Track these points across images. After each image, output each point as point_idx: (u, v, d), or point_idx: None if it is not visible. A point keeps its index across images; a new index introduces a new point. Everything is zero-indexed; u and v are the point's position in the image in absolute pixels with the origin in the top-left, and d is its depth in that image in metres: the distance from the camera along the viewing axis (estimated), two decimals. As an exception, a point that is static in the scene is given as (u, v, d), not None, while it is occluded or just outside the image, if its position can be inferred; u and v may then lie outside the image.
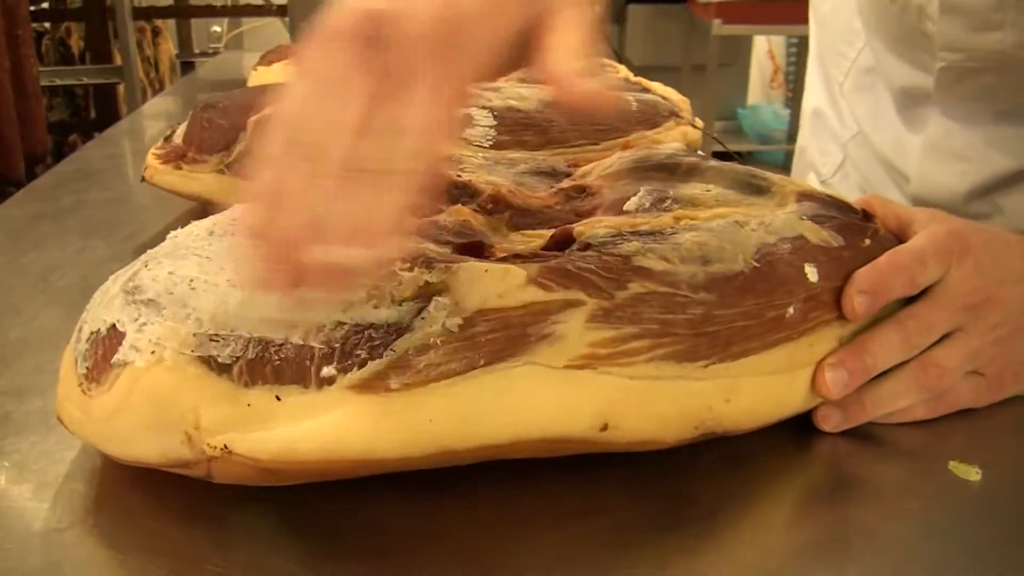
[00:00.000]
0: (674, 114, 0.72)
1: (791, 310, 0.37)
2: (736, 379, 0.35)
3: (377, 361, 0.31)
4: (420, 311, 0.32)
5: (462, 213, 0.41)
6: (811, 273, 0.38)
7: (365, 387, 0.31)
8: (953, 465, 0.38)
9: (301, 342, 0.31)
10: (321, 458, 0.30)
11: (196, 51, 1.62)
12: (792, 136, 2.83)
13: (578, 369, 0.32)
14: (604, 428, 0.33)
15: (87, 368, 0.34)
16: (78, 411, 0.34)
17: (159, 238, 0.66)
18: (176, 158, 0.63)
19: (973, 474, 0.37)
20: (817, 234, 0.40)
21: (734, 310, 0.35)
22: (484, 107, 0.63)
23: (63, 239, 0.65)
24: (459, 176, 0.44)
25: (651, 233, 0.37)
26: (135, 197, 0.75)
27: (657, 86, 0.78)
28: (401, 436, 0.31)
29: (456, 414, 0.31)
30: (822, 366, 0.38)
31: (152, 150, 0.65)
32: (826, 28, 0.87)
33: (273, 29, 2.13)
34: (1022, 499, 0.37)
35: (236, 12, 1.59)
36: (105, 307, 0.34)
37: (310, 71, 0.29)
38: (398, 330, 0.32)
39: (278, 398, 0.31)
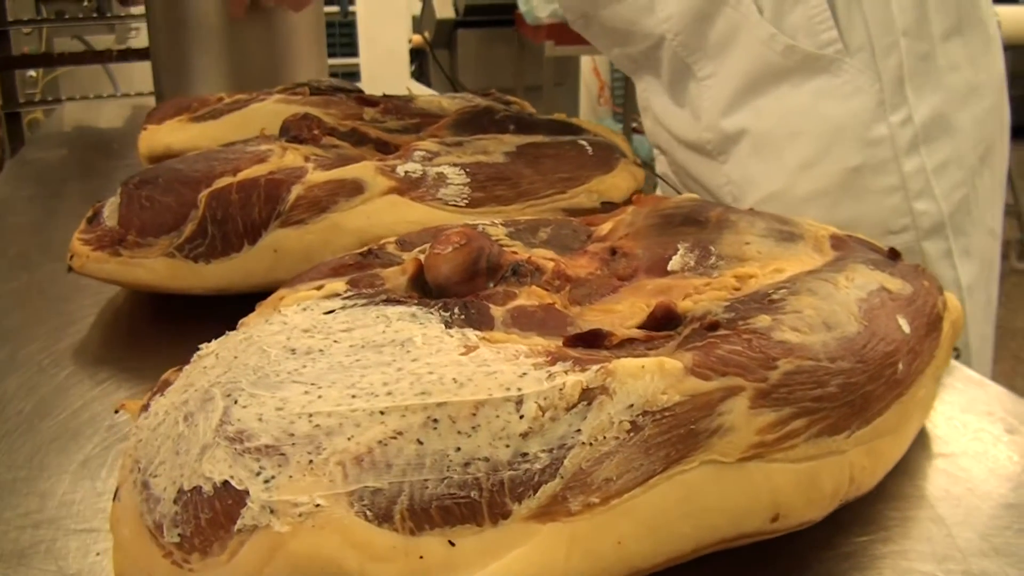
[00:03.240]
0: (623, 154, 0.71)
1: (900, 365, 0.36)
2: (868, 444, 0.35)
3: (552, 482, 0.28)
4: (583, 420, 0.29)
5: (539, 295, 0.38)
6: (904, 325, 0.38)
7: (545, 514, 0.28)
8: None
9: (464, 474, 0.28)
10: (514, 605, 0.27)
11: (21, 100, 1.46)
12: (626, 150, 2.93)
13: (749, 460, 0.30)
14: (775, 519, 0.31)
15: (181, 536, 0.28)
16: (170, 587, 0.28)
17: (96, 336, 0.59)
18: (112, 243, 0.56)
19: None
20: (892, 283, 0.40)
21: (864, 375, 0.34)
22: (455, 164, 0.60)
23: (-23, 346, 0.55)
24: (515, 253, 0.41)
25: (759, 302, 0.36)
26: (40, 286, 0.65)
27: (592, 124, 0.77)
28: (592, 564, 0.28)
29: (644, 530, 0.28)
30: None
31: (77, 235, 0.57)
32: None
33: (91, 71, 1.97)
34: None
35: (76, 61, 1.44)
36: (198, 459, 0.29)
37: None
38: (564, 445, 0.28)
39: (452, 543, 0.27)
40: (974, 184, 0.76)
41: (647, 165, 0.79)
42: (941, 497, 0.40)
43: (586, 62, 3.05)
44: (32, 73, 1.79)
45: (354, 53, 2.74)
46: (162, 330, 0.58)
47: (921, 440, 0.43)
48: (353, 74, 2.70)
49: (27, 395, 0.49)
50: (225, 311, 0.42)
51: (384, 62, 2.62)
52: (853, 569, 0.35)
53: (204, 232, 0.55)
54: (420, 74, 2.84)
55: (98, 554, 0.37)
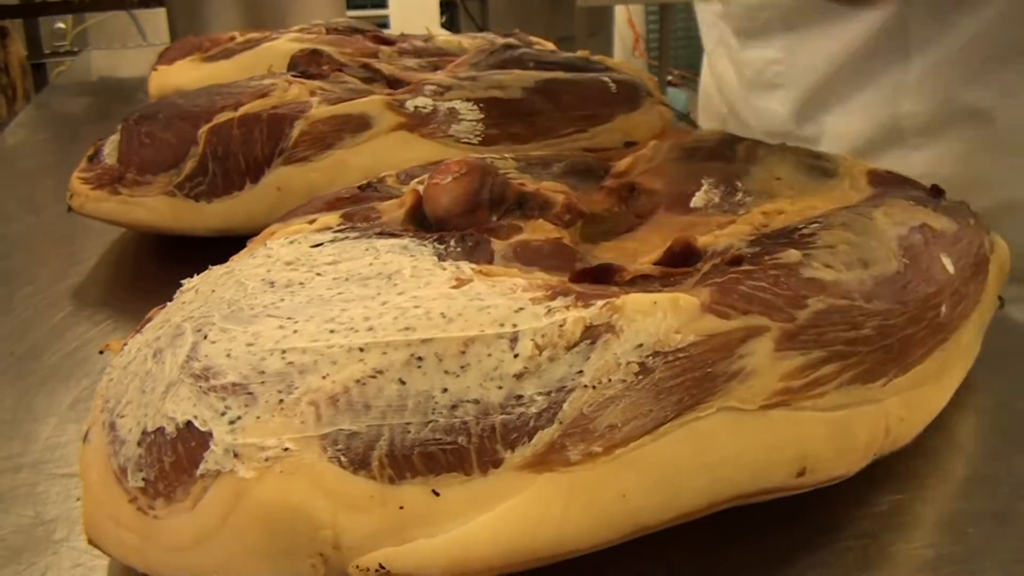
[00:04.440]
0: (649, 93, 0.67)
1: (943, 308, 0.33)
2: (906, 393, 0.31)
3: (549, 428, 0.25)
4: (586, 361, 0.26)
5: (546, 229, 0.35)
6: (949, 264, 0.34)
7: (540, 463, 0.25)
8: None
9: (451, 418, 0.25)
10: (503, 561, 0.24)
11: (46, 51, 1.44)
12: (661, 103, 2.86)
13: (773, 408, 0.27)
14: (801, 473, 0.28)
15: (145, 480, 0.26)
16: (134, 536, 0.26)
17: (98, 277, 0.57)
18: (111, 181, 0.53)
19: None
20: (936, 220, 0.36)
21: (903, 317, 0.31)
22: (468, 99, 0.56)
23: (-25, 289, 0.54)
24: (524, 185, 0.37)
25: (787, 237, 0.32)
26: (44, 228, 0.63)
27: (617, 62, 0.73)
28: (592, 519, 0.25)
29: (651, 483, 0.26)
30: None
31: (76, 173, 0.55)
32: None
33: (120, 22, 1.95)
34: None
35: (95, 7, 1.42)
36: (162, 397, 0.26)
37: None
38: (563, 388, 0.26)
39: (436, 492, 0.24)
40: None
41: (683, 117, 0.75)
42: (985, 454, 0.36)
43: (620, 12, 2.96)
44: (61, 24, 1.77)
45: (383, 4, 2.70)
46: (167, 272, 0.55)
47: (963, 391, 0.40)
48: (383, 26, 2.65)
49: (21, 336, 0.48)
50: (233, 253, 0.39)
51: (414, 13, 2.57)
52: (886, 530, 0.32)
53: (205, 169, 0.52)
54: (451, 25, 2.79)
55: (78, 499, 0.35)
